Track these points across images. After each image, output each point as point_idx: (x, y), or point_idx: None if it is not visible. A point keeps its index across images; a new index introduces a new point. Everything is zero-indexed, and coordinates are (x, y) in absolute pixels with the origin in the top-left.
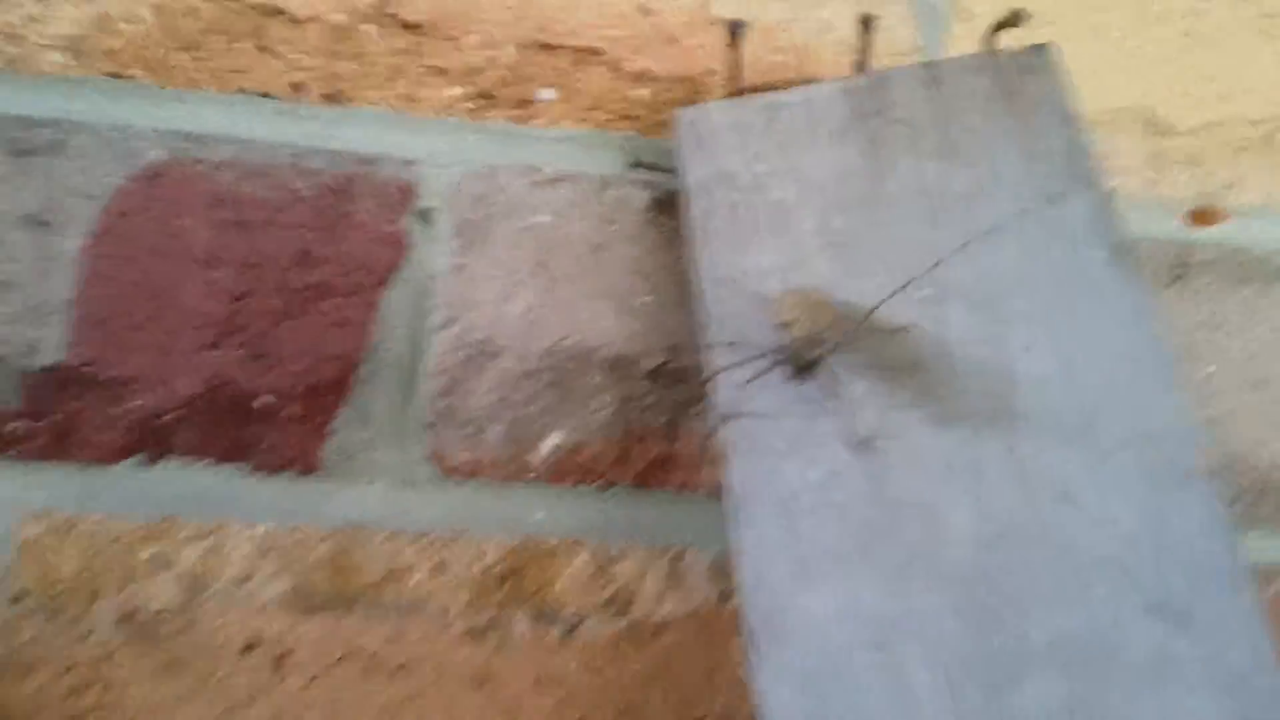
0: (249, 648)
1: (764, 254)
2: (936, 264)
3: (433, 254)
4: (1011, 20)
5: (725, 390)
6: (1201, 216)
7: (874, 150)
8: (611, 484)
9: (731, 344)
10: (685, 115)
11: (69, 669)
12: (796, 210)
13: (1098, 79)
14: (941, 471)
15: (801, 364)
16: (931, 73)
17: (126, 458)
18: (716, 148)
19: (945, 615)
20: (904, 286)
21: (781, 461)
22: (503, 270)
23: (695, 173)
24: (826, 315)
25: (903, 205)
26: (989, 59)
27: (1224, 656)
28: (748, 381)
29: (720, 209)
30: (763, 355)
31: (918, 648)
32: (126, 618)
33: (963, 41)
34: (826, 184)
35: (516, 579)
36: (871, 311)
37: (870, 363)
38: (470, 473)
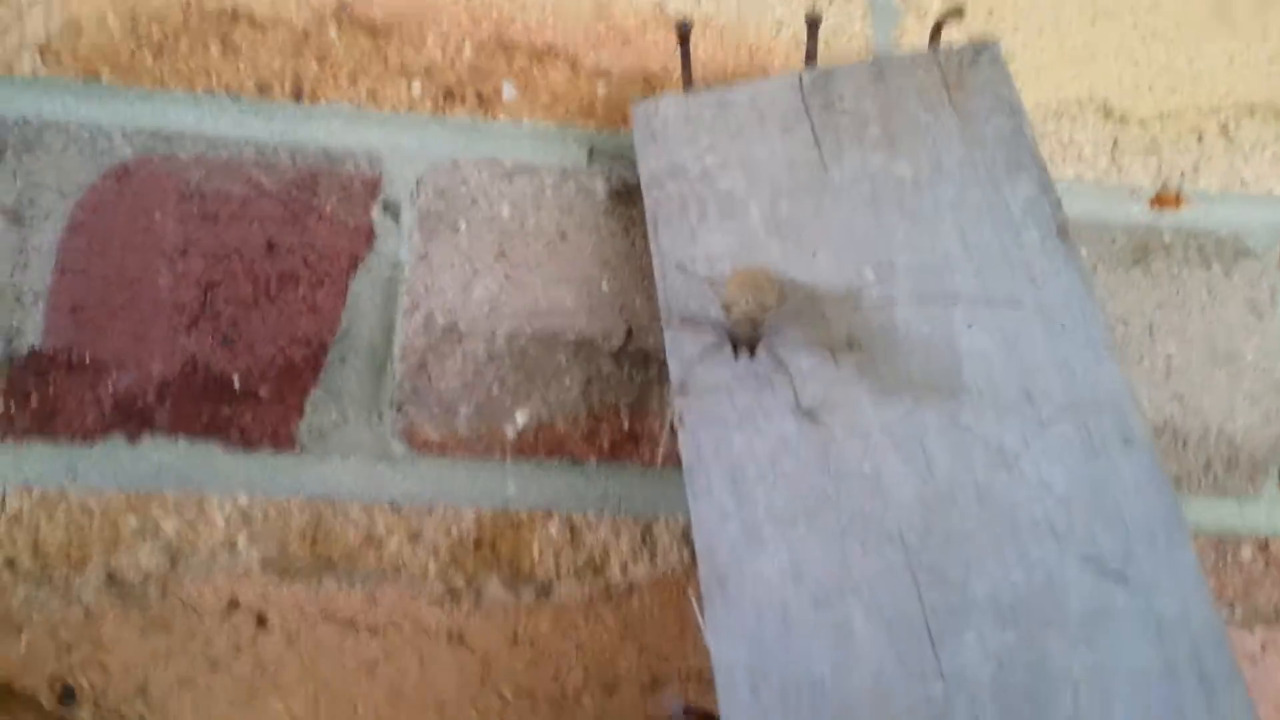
0: (229, 610)
1: (714, 240)
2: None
3: (398, 244)
4: (953, 12)
5: (678, 367)
6: (1163, 200)
7: (820, 141)
8: (581, 459)
9: (683, 324)
10: (640, 109)
11: (57, 628)
12: (745, 198)
13: (1051, 71)
14: (884, 440)
15: (742, 340)
16: (878, 67)
17: (108, 436)
18: (669, 140)
19: (888, 574)
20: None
21: (732, 433)
22: (466, 259)
23: (649, 164)
24: (770, 293)
25: (848, 192)
26: (934, 54)
27: (1158, 608)
28: (698, 358)
29: (673, 199)
30: (711, 333)
31: (861, 605)
32: (112, 582)
33: (915, 37)
34: (774, 173)
35: (490, 547)
36: (812, 291)
37: (816, 339)
38: (442, 449)
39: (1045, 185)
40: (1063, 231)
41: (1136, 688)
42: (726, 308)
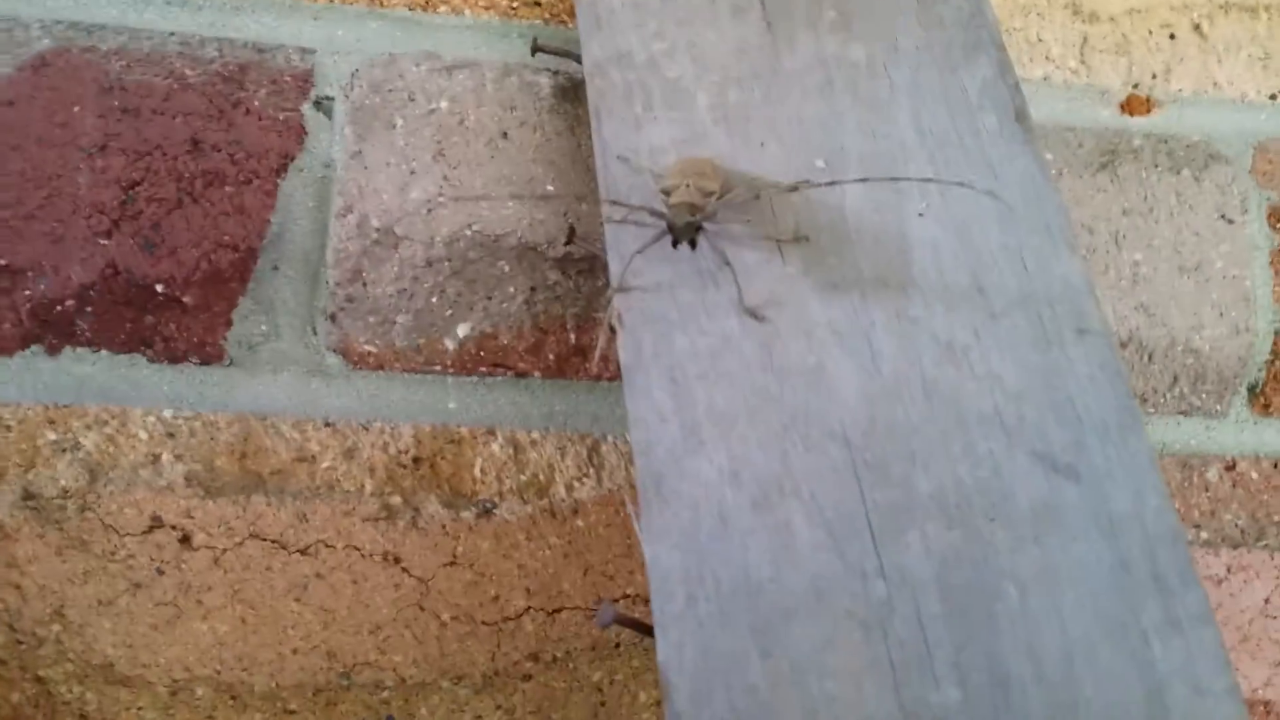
0: (152, 528)
1: (659, 131)
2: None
3: (330, 143)
4: None
5: (617, 263)
6: (1133, 106)
7: (773, 25)
8: (525, 374)
9: (618, 210)
10: None
11: None
12: (693, 86)
13: None
14: (830, 337)
15: (680, 230)
16: None
17: (26, 347)
18: (614, 27)
19: (830, 473)
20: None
21: (673, 331)
22: (402, 158)
23: (592, 53)
24: (713, 181)
25: (800, 79)
26: None
27: (1109, 504)
28: (636, 253)
29: (616, 88)
30: (651, 225)
31: (801, 505)
32: (27, 499)
33: None
34: (724, 60)
35: (429, 464)
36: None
37: (763, 233)
38: (378, 364)
39: (1004, 67)
40: (1021, 116)
41: (1086, 587)
42: (665, 193)
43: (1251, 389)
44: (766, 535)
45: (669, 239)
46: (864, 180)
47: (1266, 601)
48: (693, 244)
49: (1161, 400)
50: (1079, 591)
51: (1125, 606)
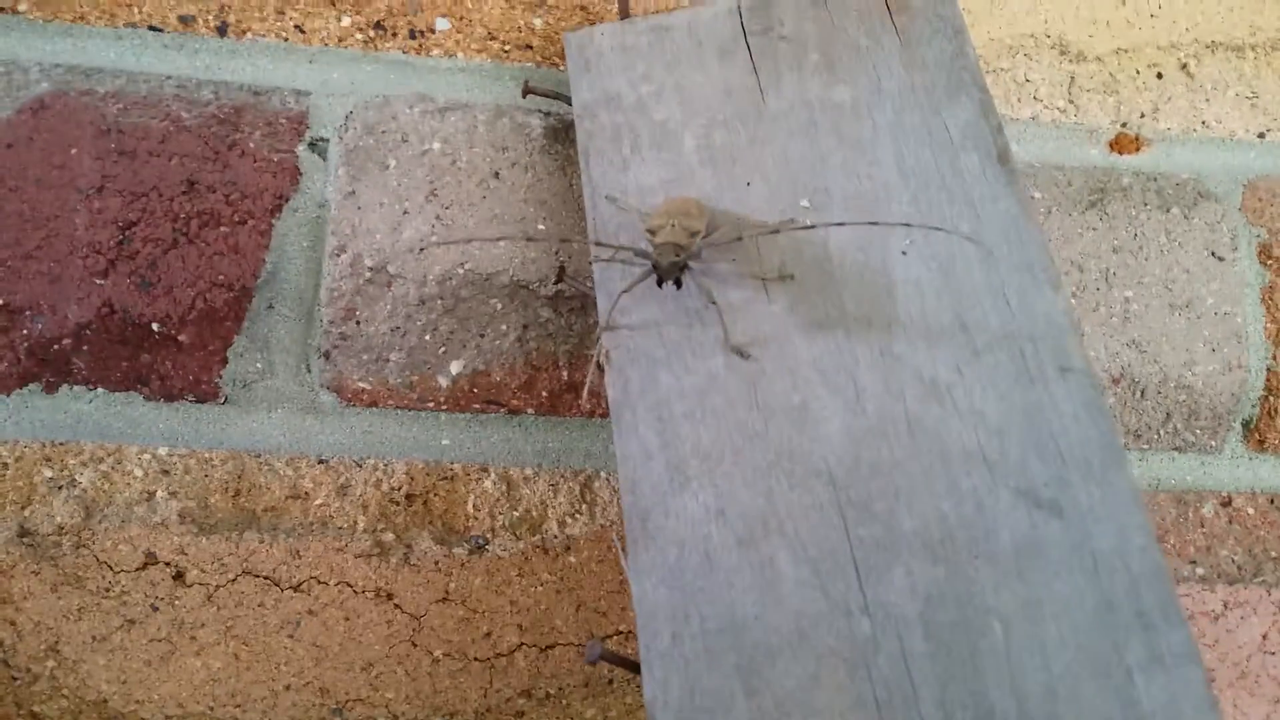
0: (146, 565)
1: (646, 171)
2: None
3: (325, 183)
4: None
5: (605, 301)
6: (1122, 145)
7: (758, 68)
8: (518, 411)
9: (611, 258)
10: (573, 39)
11: None
12: (680, 128)
13: (1005, 5)
14: (814, 375)
15: (665, 268)
16: None
17: (23, 385)
18: (603, 70)
19: (815, 510)
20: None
21: (659, 369)
22: (395, 198)
23: (582, 95)
24: (699, 220)
25: (785, 120)
26: None
27: (1092, 541)
28: (623, 291)
29: (605, 129)
30: (638, 264)
31: (786, 543)
32: (23, 535)
33: None
34: (711, 101)
35: (421, 501)
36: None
37: (748, 272)
38: (371, 401)
39: (986, 108)
40: (1003, 156)
41: (1070, 623)
42: (651, 233)
43: (1246, 425)
44: (751, 573)
45: (655, 278)
46: (841, 224)
47: (1264, 638)
48: (678, 283)
49: (1155, 436)
50: (1062, 628)
51: (1109, 644)
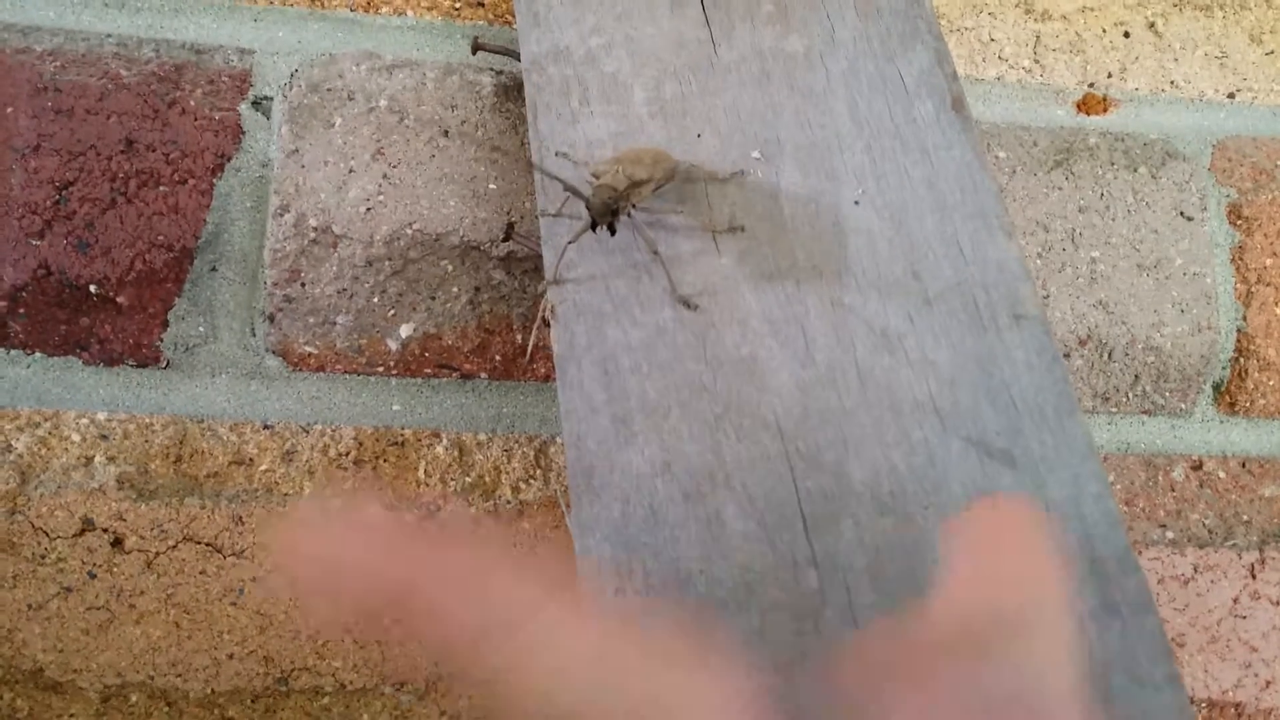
0: (83, 531)
1: (595, 125)
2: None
3: (268, 142)
4: None
5: (551, 256)
6: (1089, 104)
7: (710, 19)
8: (471, 375)
9: (559, 212)
10: None
11: None
12: (630, 80)
13: None
14: (764, 326)
15: (596, 208)
16: None
17: None
18: (552, 23)
19: (762, 462)
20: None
21: (606, 324)
22: (340, 156)
23: (530, 48)
24: (644, 169)
25: (737, 70)
26: None
27: (1045, 490)
28: (569, 243)
29: (554, 83)
30: (581, 218)
31: (733, 495)
32: None
33: None
34: (662, 54)
35: (370, 467)
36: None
37: (698, 223)
38: (319, 365)
39: (941, 56)
40: (957, 104)
41: None
42: (595, 177)
43: (1216, 387)
44: (697, 527)
45: (591, 223)
46: (801, 175)
47: (1235, 601)
48: (612, 229)
49: (1124, 399)
50: None
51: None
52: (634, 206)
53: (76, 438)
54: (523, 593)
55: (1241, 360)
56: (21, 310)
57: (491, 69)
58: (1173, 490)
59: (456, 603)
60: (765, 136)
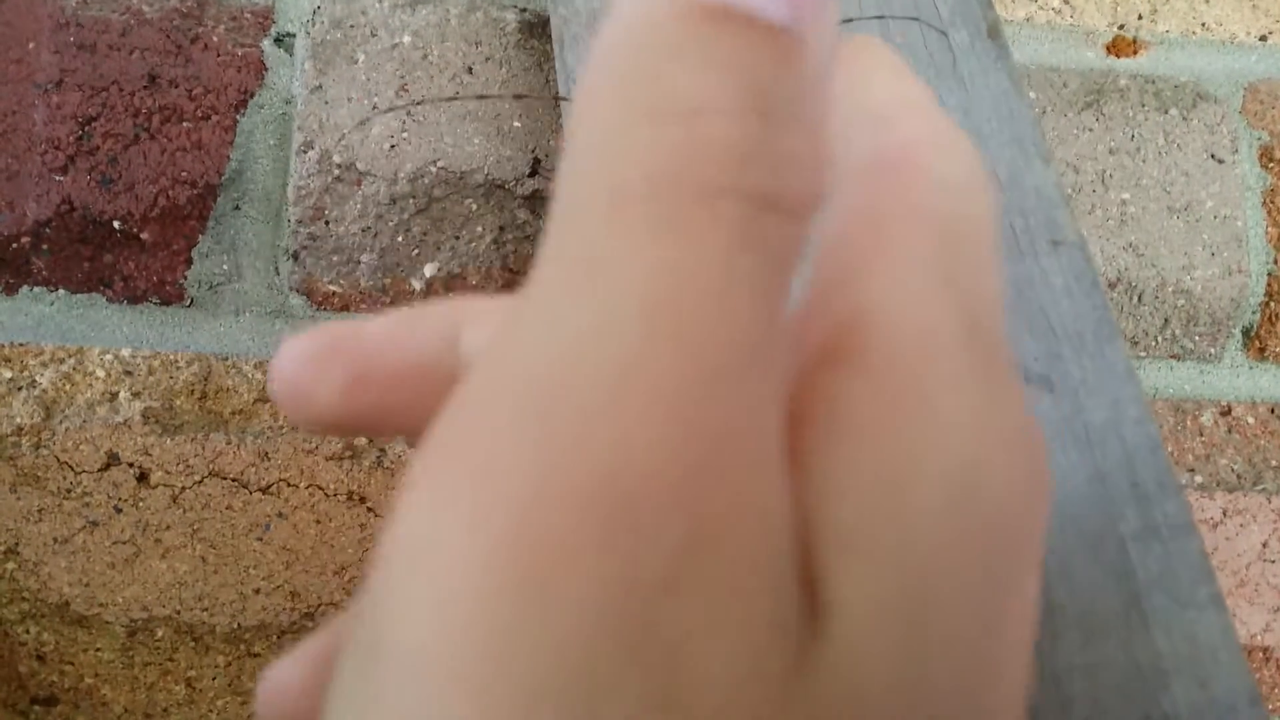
0: (108, 465)
1: None
2: None
3: (291, 79)
4: None
5: None
6: (1119, 47)
7: None
8: None
9: None
10: None
11: None
12: None
13: None
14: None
15: None
16: None
17: None
18: None
19: None
20: None
21: None
22: (364, 93)
23: None
24: None
25: None
26: None
27: (1084, 414)
28: None
29: (580, 15)
30: None
31: None
32: None
33: None
34: None
35: None
36: None
37: None
38: (343, 304)
39: None
40: (993, 31)
41: (1062, 496)
42: None
43: (1246, 332)
44: None
45: None
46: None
47: (1264, 546)
48: None
49: (1153, 343)
50: (1054, 502)
51: (1103, 516)
52: None
53: (101, 373)
54: None
55: (1272, 304)
56: (45, 246)
57: (515, 5)
58: (1201, 435)
59: None
60: None
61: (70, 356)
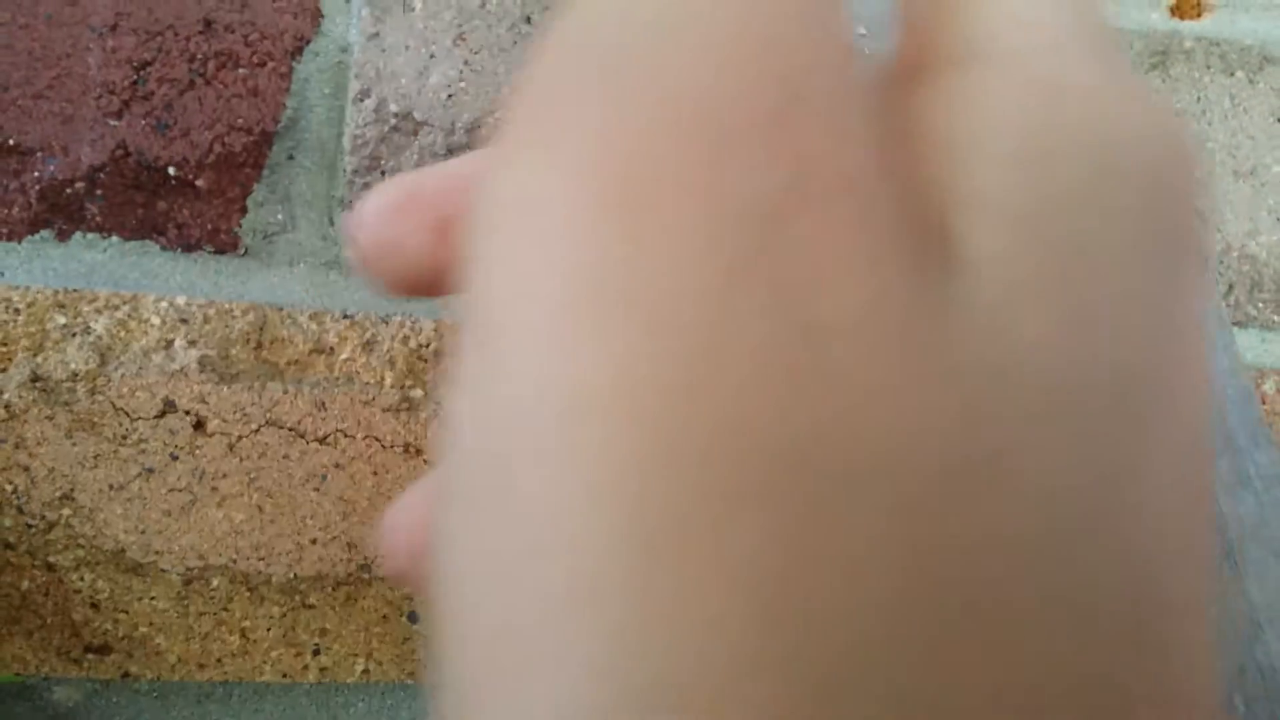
0: (164, 413)
1: None
2: None
3: (347, 26)
4: None
5: None
6: (1183, 9)
7: None
8: None
9: None
10: None
11: None
12: None
13: None
14: None
15: None
16: None
17: (35, 232)
18: None
19: None
20: None
21: None
22: (421, 41)
23: None
24: None
25: None
26: None
27: None
28: None
29: None
30: None
31: None
32: (36, 380)
33: None
34: None
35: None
36: None
37: None
38: None
39: None
40: None
41: None
42: None
43: None
44: None
45: None
46: None
47: None
48: None
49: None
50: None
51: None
52: None
53: (156, 320)
54: None
55: None
56: (99, 191)
57: None
58: (1264, 404)
59: None
60: None
61: (125, 304)
